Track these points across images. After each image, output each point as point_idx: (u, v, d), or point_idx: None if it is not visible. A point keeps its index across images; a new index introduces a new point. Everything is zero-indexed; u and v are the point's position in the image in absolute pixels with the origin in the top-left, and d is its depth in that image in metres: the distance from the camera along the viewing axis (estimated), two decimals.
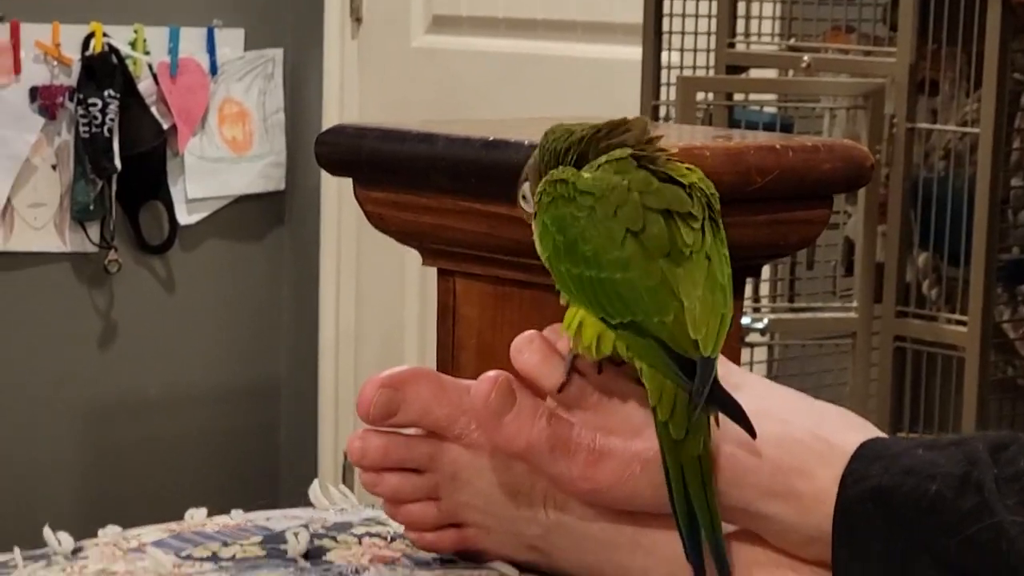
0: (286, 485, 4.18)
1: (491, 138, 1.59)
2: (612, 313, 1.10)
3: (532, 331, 1.17)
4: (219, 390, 4.13)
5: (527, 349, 1.15)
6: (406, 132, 1.64)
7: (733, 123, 2.94)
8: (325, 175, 3.96)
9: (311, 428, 4.15)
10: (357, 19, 4.04)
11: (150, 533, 1.28)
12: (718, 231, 1.13)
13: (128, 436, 4.00)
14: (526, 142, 1.56)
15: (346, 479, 4.04)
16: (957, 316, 2.77)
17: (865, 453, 1.08)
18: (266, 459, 4.19)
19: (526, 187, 1.17)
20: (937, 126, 2.87)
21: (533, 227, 1.15)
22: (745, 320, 2.72)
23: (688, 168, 1.14)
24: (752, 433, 1.07)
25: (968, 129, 2.81)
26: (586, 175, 1.13)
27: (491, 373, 1.15)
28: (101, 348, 3.97)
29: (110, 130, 3.81)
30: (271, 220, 4.16)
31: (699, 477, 1.08)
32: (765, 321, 2.84)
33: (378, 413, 1.20)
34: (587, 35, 3.62)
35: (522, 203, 1.18)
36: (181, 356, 4.06)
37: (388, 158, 1.64)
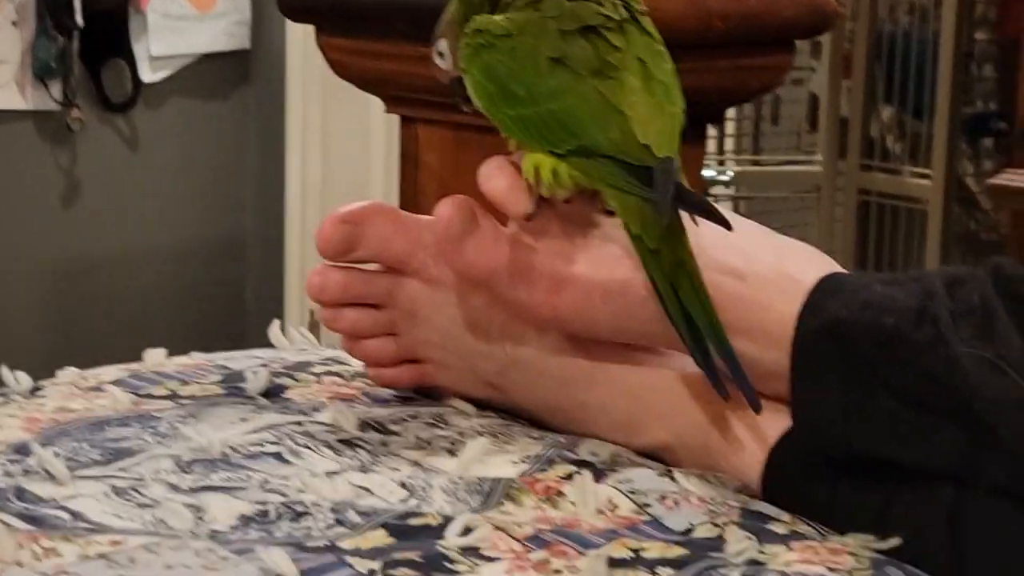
0: (251, 341, 4.19)
1: None
2: (558, 144, 1.10)
3: (501, 156, 1.16)
4: (184, 247, 4.13)
5: (497, 175, 1.14)
6: None
7: None
8: (290, 33, 3.97)
9: (277, 283, 4.16)
10: None
11: (109, 373, 1.30)
12: (644, 31, 1.12)
13: (93, 293, 4.00)
14: None
15: (316, 327, 4.06)
16: (921, 170, 2.79)
17: (824, 287, 1.08)
18: (232, 314, 4.21)
19: (442, 44, 1.17)
20: None
21: (466, 82, 1.14)
22: (710, 172, 2.72)
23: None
24: (727, 226, 1.07)
25: None
26: (498, 18, 1.12)
27: (453, 197, 1.15)
28: (64, 206, 3.96)
29: None
30: (236, 78, 4.15)
31: (689, 282, 1.08)
32: (730, 174, 2.85)
33: (337, 248, 1.21)
34: None
35: (438, 60, 1.17)
36: (146, 214, 4.06)
37: (350, 4, 1.65)
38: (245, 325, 4.22)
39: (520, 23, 1.13)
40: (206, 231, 4.16)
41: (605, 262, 1.11)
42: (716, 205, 1.14)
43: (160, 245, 4.09)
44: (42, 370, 4.12)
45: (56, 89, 3.85)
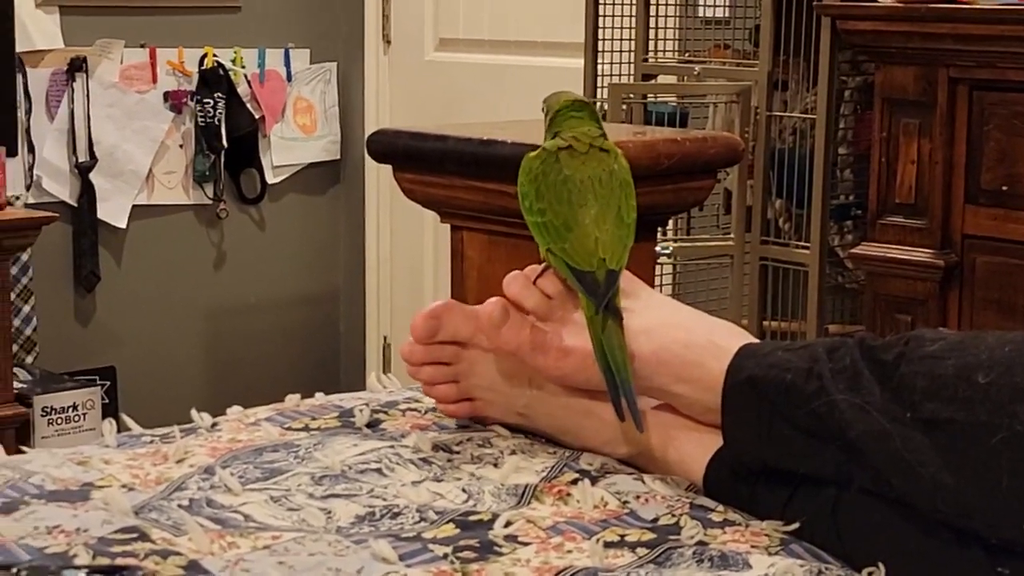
0: (343, 367, 4.19)
1: (484, 138, 1.61)
2: (541, 243, 1.13)
3: (516, 271, 1.19)
4: (296, 297, 4.13)
5: (512, 283, 1.18)
6: (427, 134, 1.65)
7: (647, 114, 2.94)
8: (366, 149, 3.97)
9: (361, 326, 4.15)
10: (387, 41, 4.02)
11: (262, 411, 1.29)
12: (625, 188, 1.15)
13: (234, 332, 4.00)
14: (508, 141, 1.58)
15: (386, 365, 4.05)
16: (803, 243, 2.79)
17: (743, 352, 1.10)
18: (329, 347, 4.19)
19: None
20: (787, 113, 2.88)
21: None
22: (657, 248, 2.73)
23: (612, 147, 1.16)
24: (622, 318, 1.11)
25: (807, 116, 2.81)
26: (533, 159, 1.15)
27: (493, 299, 1.17)
28: (215, 269, 3.97)
29: (218, 120, 3.80)
30: (331, 180, 4.15)
31: (618, 348, 1.10)
32: (671, 248, 2.85)
33: (425, 336, 1.23)
34: (546, 51, 3.61)
35: None
36: (270, 274, 4.06)
37: (416, 152, 1.66)
38: (339, 354, 4.21)
39: (539, 168, 1.15)
40: (311, 285, 4.16)
41: (587, 338, 1.13)
42: (647, 285, 1.17)
43: (280, 295, 4.09)
44: (199, 391, 4.13)
45: (209, 189, 3.86)
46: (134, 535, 0.96)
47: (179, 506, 1.03)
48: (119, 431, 1.24)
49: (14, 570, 0.81)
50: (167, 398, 3.71)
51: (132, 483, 1.08)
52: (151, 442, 1.20)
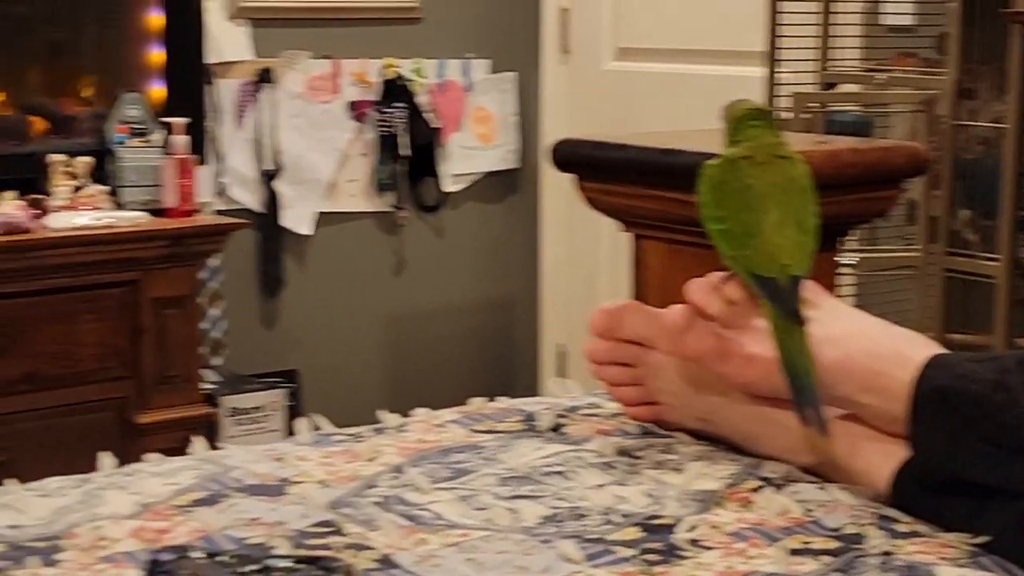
0: (518, 373, 4.23)
1: (665, 147, 1.62)
2: (722, 251, 1.13)
3: (698, 278, 1.20)
4: (472, 303, 4.18)
5: (695, 290, 1.18)
6: (609, 143, 1.67)
7: (828, 123, 2.91)
8: (544, 158, 4.01)
9: (536, 333, 4.19)
10: (565, 51, 4.05)
11: (448, 414, 1.31)
12: (806, 194, 1.14)
13: (412, 337, 4.08)
14: (688, 150, 1.59)
15: (561, 372, 4.07)
16: (991, 254, 2.74)
17: (932, 363, 1.08)
18: (504, 353, 4.24)
19: None
20: (975, 123, 2.83)
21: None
22: (840, 258, 2.71)
23: (793, 154, 1.15)
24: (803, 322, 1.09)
25: (998, 125, 2.76)
26: (714, 167, 1.15)
27: (677, 306, 1.19)
28: (395, 276, 4.04)
29: (400, 130, 3.87)
30: (508, 188, 4.20)
31: (803, 355, 1.09)
32: (856, 259, 2.82)
33: (602, 330, 1.24)
34: (725, 60, 3.59)
35: None
36: (448, 280, 4.12)
37: (598, 161, 1.67)
38: (514, 358, 4.25)
39: (718, 175, 1.15)
40: (487, 291, 4.21)
41: (771, 345, 1.14)
42: (835, 296, 1.16)
43: (457, 301, 4.15)
44: (378, 393, 4.21)
45: (390, 198, 3.94)
46: (330, 529, 1.00)
47: (372, 503, 1.06)
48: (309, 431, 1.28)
49: (222, 557, 0.86)
50: (347, 400, 3.79)
51: (326, 479, 1.12)
52: (343, 441, 1.24)
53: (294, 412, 3.54)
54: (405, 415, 1.32)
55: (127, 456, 1.24)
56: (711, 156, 1.20)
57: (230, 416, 3.30)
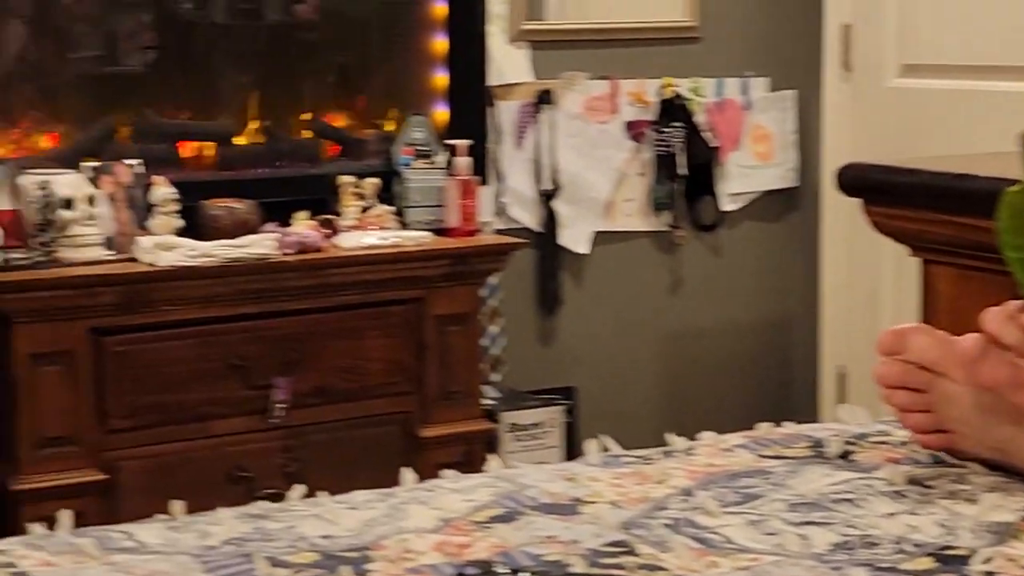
0: (796, 396, 4.19)
1: (958, 172, 1.61)
2: (1021, 279, 1.11)
3: (994, 307, 1.19)
4: (749, 323, 4.16)
5: (992, 319, 1.17)
6: (898, 168, 1.66)
7: None
8: (825, 177, 3.97)
9: (815, 355, 4.14)
10: (848, 68, 4.00)
11: (735, 439, 1.34)
12: None
13: (688, 356, 4.08)
14: (984, 175, 1.57)
15: (841, 397, 4.01)
16: None
17: None
18: (781, 375, 4.20)
19: None
20: None
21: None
22: None
23: None
24: None
25: None
26: (1015, 193, 1.13)
27: (971, 335, 1.18)
28: (672, 295, 4.06)
29: (677, 149, 3.90)
30: (787, 207, 4.16)
31: None
32: None
33: (887, 350, 1.24)
34: (1019, 76, 3.48)
35: None
36: (726, 300, 4.12)
37: (886, 185, 1.67)
38: (792, 383, 4.22)
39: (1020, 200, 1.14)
40: (765, 312, 4.18)
41: None
42: None
43: (734, 320, 4.14)
44: (654, 412, 4.23)
45: (666, 217, 3.97)
46: (623, 549, 1.04)
47: (663, 524, 1.09)
48: (591, 452, 1.31)
49: (524, 574, 0.90)
50: (623, 419, 3.83)
51: (617, 500, 1.16)
52: (632, 462, 1.27)
53: (571, 429, 3.61)
54: (681, 435, 1.35)
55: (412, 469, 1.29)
56: (1007, 182, 1.19)
57: (509, 432, 3.39)
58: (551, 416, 3.43)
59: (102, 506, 2.81)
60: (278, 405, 3.00)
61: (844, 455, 1.29)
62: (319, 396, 3.07)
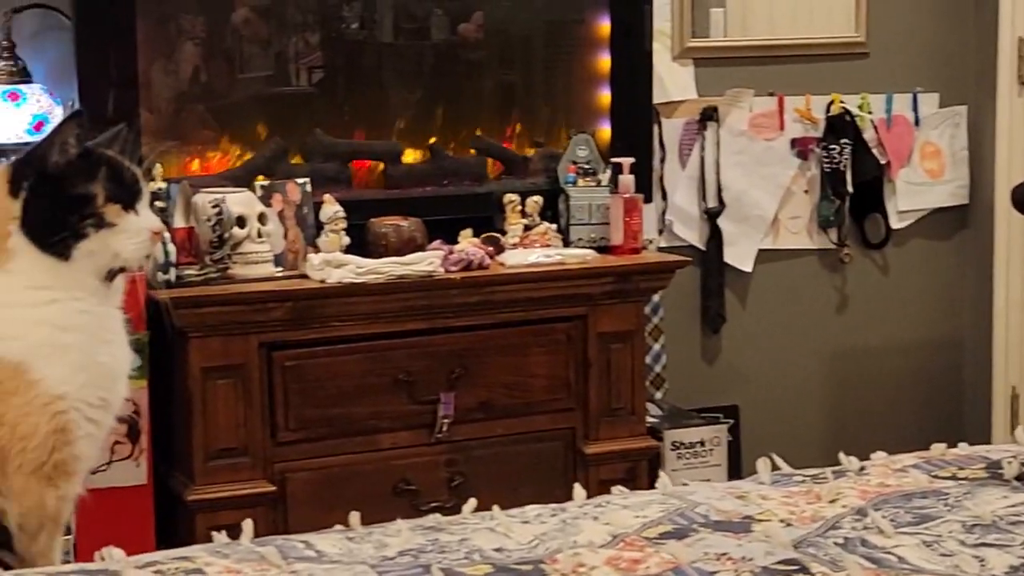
0: (967, 416, 4.11)
1: None
2: None
3: None
4: (918, 343, 4.10)
5: None
6: None
7: None
8: (998, 194, 3.89)
9: (987, 375, 4.06)
10: (1022, 82, 3.92)
11: (908, 459, 1.33)
12: None
13: (854, 375, 4.04)
14: None
15: (1015, 418, 3.92)
16: None
17: None
18: (951, 395, 4.13)
19: None
20: None
21: None
22: None
23: None
24: None
25: None
26: None
27: None
28: (837, 312, 4.02)
29: (844, 166, 3.86)
30: (958, 224, 4.09)
31: None
32: None
33: None
34: None
35: None
36: (894, 319, 4.06)
37: None
38: (963, 403, 4.14)
39: None
40: (934, 330, 4.11)
41: None
42: None
43: (902, 338, 4.08)
44: (818, 432, 4.18)
45: (833, 235, 3.93)
46: (795, 567, 1.04)
47: (835, 543, 1.09)
48: (763, 471, 1.32)
49: None
50: (787, 438, 3.80)
51: (789, 519, 1.16)
52: (803, 481, 1.27)
53: (734, 448, 3.59)
54: (848, 454, 1.34)
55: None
56: None
57: (672, 450, 3.38)
58: (714, 434, 3.42)
59: (271, 516, 2.88)
60: (443, 420, 3.04)
61: (1021, 477, 1.27)
62: (483, 411, 3.10)
